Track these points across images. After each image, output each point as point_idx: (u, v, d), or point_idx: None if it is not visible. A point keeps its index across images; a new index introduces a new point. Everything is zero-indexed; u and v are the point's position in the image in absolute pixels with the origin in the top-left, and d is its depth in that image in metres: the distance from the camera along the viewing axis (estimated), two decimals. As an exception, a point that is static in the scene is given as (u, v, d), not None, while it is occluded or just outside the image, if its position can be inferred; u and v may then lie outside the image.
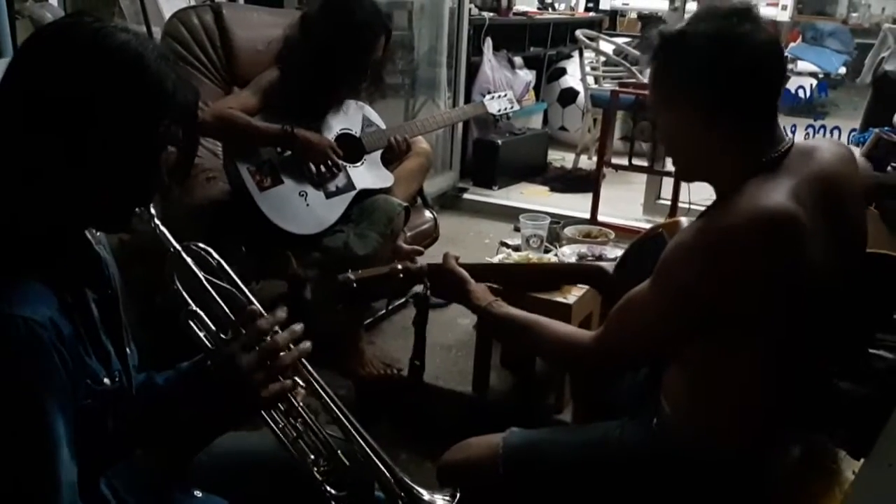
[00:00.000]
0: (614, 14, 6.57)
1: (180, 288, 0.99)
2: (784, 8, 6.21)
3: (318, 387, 1.04)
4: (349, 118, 2.36)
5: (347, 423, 1.05)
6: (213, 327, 1.00)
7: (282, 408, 1.02)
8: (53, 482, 0.83)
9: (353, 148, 2.33)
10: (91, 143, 0.86)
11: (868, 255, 1.26)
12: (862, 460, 1.21)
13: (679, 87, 1.15)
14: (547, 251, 2.27)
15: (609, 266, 1.57)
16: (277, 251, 2.19)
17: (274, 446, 1.18)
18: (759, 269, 1.07)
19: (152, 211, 0.97)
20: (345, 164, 2.29)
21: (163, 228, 0.99)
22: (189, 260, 0.99)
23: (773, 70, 1.16)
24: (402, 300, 2.76)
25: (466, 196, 4.23)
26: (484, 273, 1.49)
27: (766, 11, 5.65)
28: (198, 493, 1.04)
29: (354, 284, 1.42)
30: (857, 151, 1.68)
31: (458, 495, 1.08)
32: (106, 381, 0.94)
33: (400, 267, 1.45)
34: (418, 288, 1.49)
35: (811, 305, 1.13)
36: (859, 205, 1.22)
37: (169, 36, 2.43)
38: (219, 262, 1.02)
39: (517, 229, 2.50)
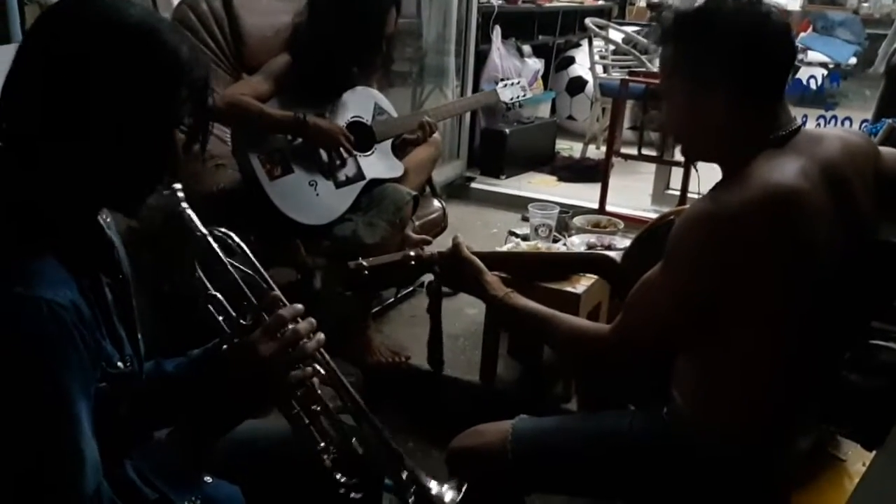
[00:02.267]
0: (624, 2, 6.50)
1: (202, 275, 1.00)
2: (795, -3, 6.15)
3: (334, 375, 1.04)
4: (361, 105, 2.35)
5: (360, 413, 1.05)
6: (233, 312, 1.00)
7: (297, 394, 1.02)
8: (78, 460, 0.84)
9: (364, 136, 2.32)
10: (108, 118, 0.86)
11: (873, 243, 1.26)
12: (874, 452, 1.20)
13: (697, 66, 1.17)
14: (555, 241, 2.27)
15: (617, 255, 1.57)
16: (286, 239, 2.20)
17: (285, 433, 1.19)
18: (767, 243, 1.09)
19: (180, 194, 0.97)
20: (355, 152, 2.29)
21: (190, 212, 0.99)
22: (215, 244, 1.00)
23: (786, 52, 1.19)
24: (410, 288, 2.77)
25: (474, 185, 4.21)
26: (491, 262, 1.48)
27: (776, 0, 5.59)
28: (208, 479, 1.04)
29: (366, 271, 1.42)
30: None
31: (465, 487, 1.08)
32: (119, 364, 0.95)
33: (412, 254, 1.44)
34: (428, 277, 1.49)
35: (818, 290, 1.14)
36: (869, 197, 1.22)
37: (177, 22, 2.43)
38: (241, 248, 1.03)
39: (525, 219, 2.50)
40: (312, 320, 1.01)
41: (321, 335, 1.01)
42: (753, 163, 1.13)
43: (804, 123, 1.33)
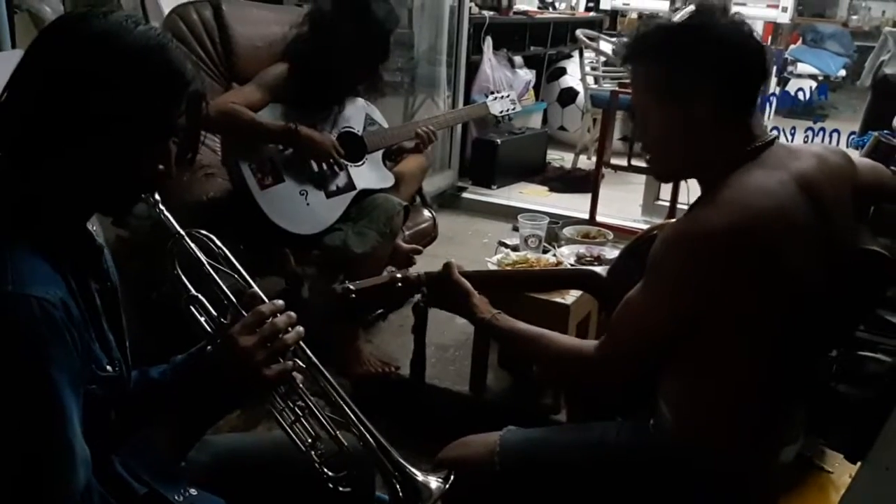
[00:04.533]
0: (615, 14, 6.55)
1: (180, 273, 1.00)
2: (784, 10, 6.20)
3: (316, 370, 1.04)
4: (352, 116, 2.35)
5: (345, 407, 1.05)
6: (214, 312, 1.01)
7: (282, 390, 1.03)
8: (69, 455, 0.84)
9: (354, 146, 2.32)
10: (115, 128, 0.89)
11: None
12: (859, 464, 1.21)
13: (676, 82, 1.17)
14: (545, 251, 2.26)
15: (602, 270, 1.57)
16: (276, 248, 2.19)
17: (270, 446, 1.19)
18: (748, 262, 1.09)
19: (157, 196, 0.98)
20: (346, 163, 2.29)
21: (167, 214, 1.00)
22: (192, 244, 1.00)
23: (761, 70, 1.21)
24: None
25: (465, 195, 4.23)
26: (478, 282, 1.46)
27: (765, 13, 5.65)
28: (193, 492, 1.04)
29: (353, 295, 1.41)
30: (856, 154, 1.67)
31: (451, 477, 1.08)
32: (108, 368, 0.96)
33: (399, 275, 1.44)
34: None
35: (800, 303, 1.14)
36: (846, 211, 1.23)
37: (167, 31, 2.42)
38: (220, 248, 1.04)
39: (516, 229, 2.50)
40: (292, 314, 1.02)
41: (300, 328, 1.02)
42: (731, 177, 1.14)
43: (793, 135, 1.35)
